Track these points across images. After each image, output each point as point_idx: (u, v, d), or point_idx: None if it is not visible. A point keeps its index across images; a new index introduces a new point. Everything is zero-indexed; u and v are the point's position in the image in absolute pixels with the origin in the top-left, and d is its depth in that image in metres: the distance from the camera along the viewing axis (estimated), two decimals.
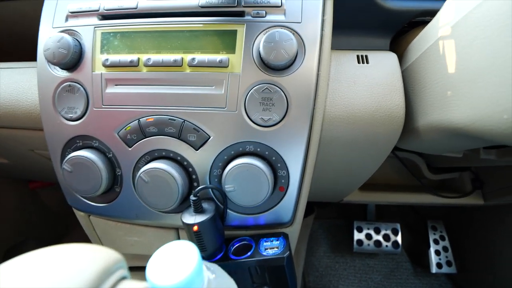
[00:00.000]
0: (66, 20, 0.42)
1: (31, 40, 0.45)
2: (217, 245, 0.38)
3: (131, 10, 0.40)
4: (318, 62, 0.37)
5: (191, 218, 0.36)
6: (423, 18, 0.45)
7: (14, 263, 0.21)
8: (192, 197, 0.36)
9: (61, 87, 0.41)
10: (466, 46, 0.31)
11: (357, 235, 1.06)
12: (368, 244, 1.04)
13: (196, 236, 0.36)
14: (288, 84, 0.37)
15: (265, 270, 0.38)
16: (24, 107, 0.47)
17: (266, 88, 0.37)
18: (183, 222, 0.36)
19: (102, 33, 0.40)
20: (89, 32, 0.40)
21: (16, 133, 0.51)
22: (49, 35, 0.41)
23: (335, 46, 0.44)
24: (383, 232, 1.05)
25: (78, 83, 0.40)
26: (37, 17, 0.43)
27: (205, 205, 0.38)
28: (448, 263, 1.01)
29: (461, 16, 0.31)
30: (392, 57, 0.43)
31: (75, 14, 0.41)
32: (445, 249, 1.03)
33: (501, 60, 0.26)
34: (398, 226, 1.05)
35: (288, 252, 0.38)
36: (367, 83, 0.41)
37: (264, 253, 0.38)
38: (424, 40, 0.39)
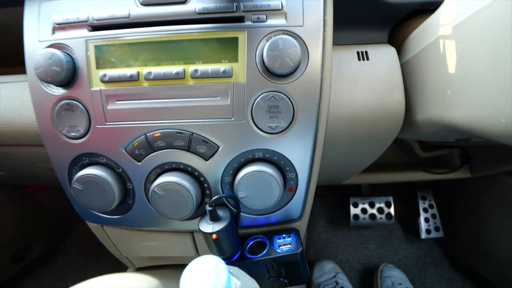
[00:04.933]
0: (53, 32, 0.39)
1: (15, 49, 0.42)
2: (234, 247, 0.40)
3: (123, 20, 0.37)
4: (322, 64, 0.37)
5: (208, 227, 0.38)
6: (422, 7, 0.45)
7: None
8: (208, 208, 0.38)
9: (59, 105, 0.39)
10: (467, 48, 0.31)
11: (353, 210, 1.13)
12: (364, 218, 1.11)
13: (215, 243, 0.38)
14: (294, 90, 0.37)
15: (281, 265, 0.41)
16: (19, 124, 0.45)
17: (272, 96, 0.37)
18: (201, 231, 0.38)
19: (95, 46, 0.38)
20: (80, 46, 0.38)
21: (15, 150, 0.50)
22: (36, 49, 0.39)
23: (333, 41, 0.44)
24: (377, 205, 1.12)
25: (77, 101, 0.39)
26: (19, 28, 0.40)
27: (220, 212, 0.40)
28: (436, 229, 1.10)
29: (463, 18, 0.31)
30: (391, 52, 0.44)
31: (62, 26, 0.39)
32: (433, 216, 1.12)
33: (501, 66, 0.27)
34: (390, 199, 1.12)
35: (301, 248, 0.41)
36: (368, 81, 0.42)
37: (279, 250, 0.41)
38: (425, 36, 0.39)
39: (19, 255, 1.02)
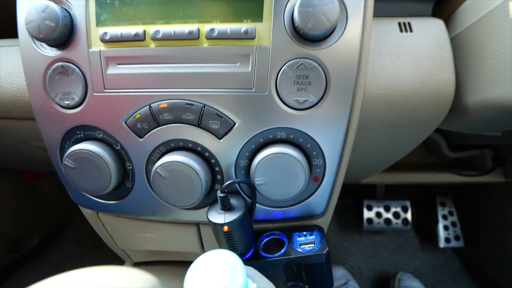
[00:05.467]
0: None
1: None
2: (248, 243, 0.34)
3: None
4: (362, 29, 0.31)
5: (219, 217, 0.32)
6: None
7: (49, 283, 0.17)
8: (219, 194, 0.32)
9: (52, 68, 0.34)
10: None
11: (367, 214, 1.06)
12: (378, 223, 1.04)
13: (227, 237, 0.32)
14: (328, 58, 0.31)
15: (302, 268, 0.35)
16: (9, 94, 0.40)
17: (302, 63, 0.31)
18: (211, 222, 0.32)
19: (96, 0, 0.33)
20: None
21: (4, 124, 0.44)
22: (29, 3, 0.34)
23: None
24: (393, 209, 1.05)
25: (73, 63, 0.34)
26: None
27: (233, 201, 0.34)
28: (456, 238, 1.02)
29: None
30: (439, 24, 0.37)
31: None
32: (453, 224, 1.04)
33: None
34: (408, 203, 1.05)
35: (327, 248, 0.34)
36: (412, 55, 0.36)
37: (300, 250, 0.35)
38: (485, 1, 0.33)
39: (16, 244, 0.98)
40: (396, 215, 1.04)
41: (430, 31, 0.37)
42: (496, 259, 0.90)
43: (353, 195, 1.18)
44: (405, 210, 1.04)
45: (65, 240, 1.16)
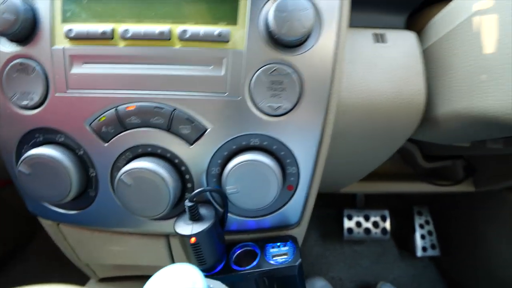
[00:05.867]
0: None
1: None
2: (218, 256, 0.32)
3: None
4: (337, 36, 0.31)
5: (187, 228, 0.30)
6: None
7: None
8: (187, 203, 0.30)
9: (9, 65, 0.32)
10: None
11: (347, 223, 1.06)
12: (358, 232, 1.05)
13: (194, 249, 0.30)
14: (302, 64, 0.31)
15: (274, 281, 0.33)
16: None
17: (276, 69, 0.30)
18: (177, 234, 0.30)
19: None
20: None
21: None
22: None
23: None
24: (372, 219, 1.06)
25: (33, 60, 0.31)
26: None
27: (202, 210, 0.32)
28: (433, 246, 1.04)
29: None
30: (412, 36, 0.39)
31: None
32: (429, 233, 1.06)
33: None
34: (386, 212, 1.06)
35: (300, 259, 0.33)
36: (385, 65, 0.36)
37: (272, 262, 0.34)
38: (452, 16, 0.34)
39: None
40: (375, 224, 1.05)
41: (403, 43, 0.38)
42: (469, 267, 0.93)
43: (334, 205, 1.18)
44: (384, 219, 1.05)
45: (31, 253, 1.07)
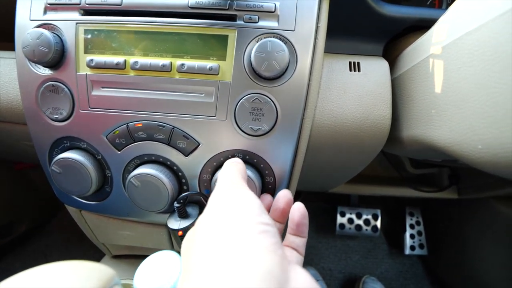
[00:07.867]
0: (45, 12, 0.39)
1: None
2: None
3: (115, 7, 0.37)
4: (310, 71, 0.37)
5: (176, 223, 0.38)
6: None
7: (12, 281, 0.22)
8: (176, 204, 0.38)
9: (44, 86, 0.39)
10: (454, 70, 0.31)
11: (340, 219, 1.13)
12: (350, 228, 1.11)
13: (181, 239, 0.38)
14: (279, 95, 0.37)
15: None
16: (5, 102, 0.45)
17: (257, 98, 0.37)
18: (168, 227, 0.38)
19: (85, 30, 0.38)
20: (70, 28, 0.38)
21: (1, 126, 0.49)
22: (26, 28, 0.39)
23: (327, 49, 0.43)
24: (364, 217, 1.12)
25: (62, 83, 0.39)
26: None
27: (189, 209, 0.40)
28: (421, 246, 1.09)
29: (453, 39, 0.31)
30: (383, 66, 0.43)
31: (54, 6, 0.38)
32: (419, 233, 1.11)
33: (483, 92, 0.27)
34: (378, 212, 1.12)
35: None
36: (357, 92, 0.42)
37: None
38: (416, 53, 0.39)
39: (3, 231, 1.02)
40: (366, 222, 1.11)
41: (375, 71, 0.43)
42: (454, 268, 0.98)
43: (330, 201, 1.25)
44: (375, 218, 1.11)
45: (53, 229, 1.20)
